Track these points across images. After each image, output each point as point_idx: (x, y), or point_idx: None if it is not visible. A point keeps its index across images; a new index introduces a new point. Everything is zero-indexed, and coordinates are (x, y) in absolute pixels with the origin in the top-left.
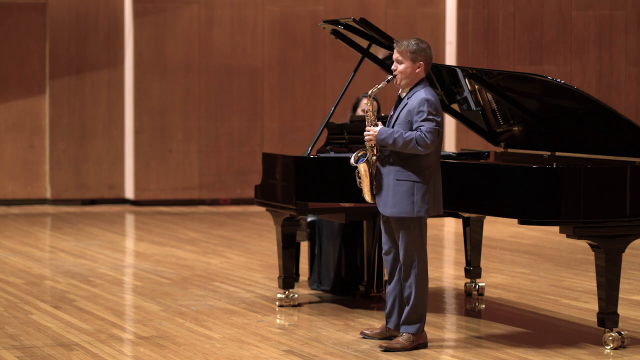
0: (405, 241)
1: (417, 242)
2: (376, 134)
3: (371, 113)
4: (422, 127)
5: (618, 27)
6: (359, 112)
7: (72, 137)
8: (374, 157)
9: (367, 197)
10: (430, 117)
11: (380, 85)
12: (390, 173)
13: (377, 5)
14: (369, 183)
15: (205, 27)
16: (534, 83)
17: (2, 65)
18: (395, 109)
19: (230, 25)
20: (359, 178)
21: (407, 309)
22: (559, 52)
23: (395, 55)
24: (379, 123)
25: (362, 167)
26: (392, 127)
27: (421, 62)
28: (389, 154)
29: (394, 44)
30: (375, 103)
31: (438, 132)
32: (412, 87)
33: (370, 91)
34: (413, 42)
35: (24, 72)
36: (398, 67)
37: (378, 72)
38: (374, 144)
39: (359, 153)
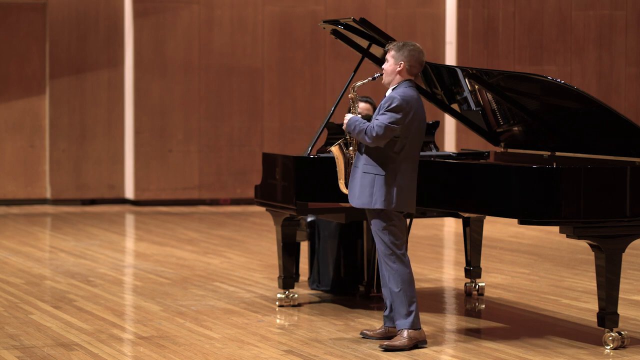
0: (374, 232)
1: (387, 234)
2: (347, 121)
3: (352, 102)
4: (375, 120)
5: (618, 27)
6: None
7: (72, 137)
8: (351, 148)
9: (341, 186)
10: (388, 113)
11: (365, 81)
12: (360, 164)
13: (377, 5)
14: (343, 169)
15: (205, 27)
16: (534, 83)
17: (2, 65)
18: None
19: (230, 25)
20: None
21: (394, 305)
22: (559, 52)
23: (386, 55)
24: (359, 114)
25: (334, 149)
26: None
27: (402, 62)
28: (361, 145)
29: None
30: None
31: (392, 129)
32: (395, 87)
33: (356, 84)
34: (400, 43)
35: (24, 72)
36: (384, 65)
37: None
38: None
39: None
